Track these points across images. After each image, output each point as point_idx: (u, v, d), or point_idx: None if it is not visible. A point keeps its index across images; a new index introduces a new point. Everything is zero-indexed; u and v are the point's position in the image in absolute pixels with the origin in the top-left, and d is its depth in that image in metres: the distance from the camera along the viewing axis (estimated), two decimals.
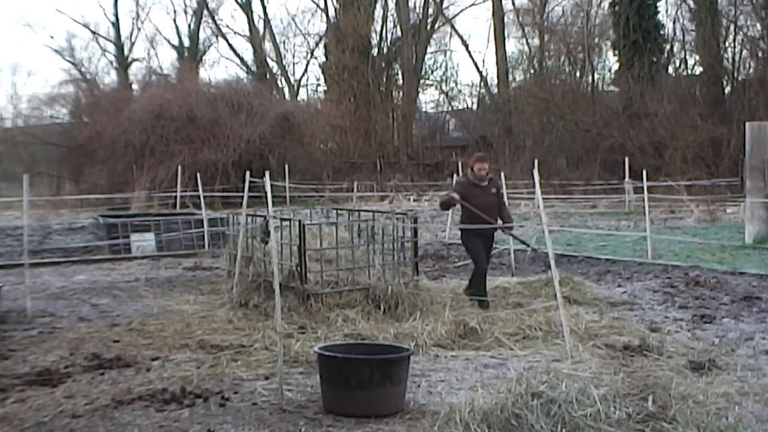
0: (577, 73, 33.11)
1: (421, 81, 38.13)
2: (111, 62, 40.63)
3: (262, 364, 5.90)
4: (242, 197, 8.75)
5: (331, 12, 37.44)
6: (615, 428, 3.76)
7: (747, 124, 14.76)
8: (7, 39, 62.69)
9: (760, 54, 28.84)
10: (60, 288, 9.97)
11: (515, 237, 9.29)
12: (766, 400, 4.88)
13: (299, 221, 7.61)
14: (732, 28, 29.73)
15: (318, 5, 38.62)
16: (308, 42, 40.14)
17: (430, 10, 37.88)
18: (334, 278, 7.64)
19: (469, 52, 55.32)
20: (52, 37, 75.87)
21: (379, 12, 37.11)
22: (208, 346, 6.47)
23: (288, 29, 44.77)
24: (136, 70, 40.68)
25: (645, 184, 13.39)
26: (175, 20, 56.94)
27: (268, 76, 38.48)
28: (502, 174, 14.11)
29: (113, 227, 13.64)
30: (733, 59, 29.88)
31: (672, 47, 31.46)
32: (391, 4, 37.26)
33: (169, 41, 44.50)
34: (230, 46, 49.60)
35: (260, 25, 40.05)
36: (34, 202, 17.44)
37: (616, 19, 30.19)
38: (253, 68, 39.23)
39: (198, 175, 17.45)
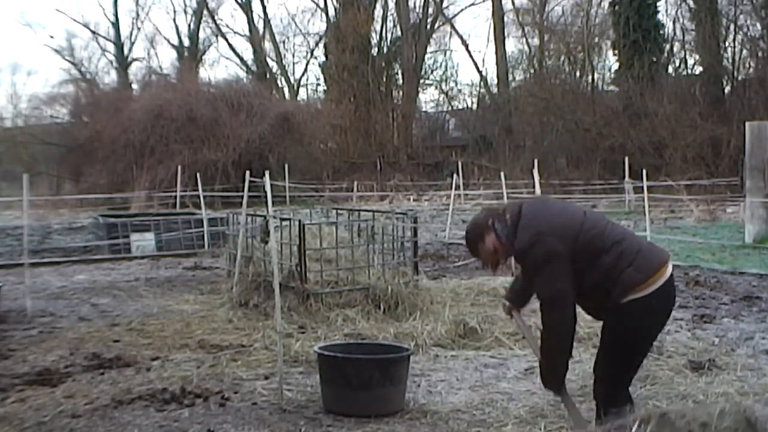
0: (577, 73, 33.09)
1: (421, 81, 38.11)
2: (111, 62, 40.70)
3: (262, 364, 5.89)
4: (242, 197, 8.75)
5: (331, 12, 37.47)
6: None
7: (747, 123, 14.76)
8: (7, 39, 62.70)
9: (760, 54, 28.82)
10: (60, 288, 9.97)
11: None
12: (766, 400, 4.87)
13: (299, 221, 7.61)
14: (732, 27, 29.72)
15: (318, 5, 38.67)
16: (308, 42, 40.19)
17: (430, 10, 37.88)
18: (334, 278, 7.63)
19: (469, 52, 55.30)
20: (52, 37, 75.79)
21: (379, 12, 37.12)
22: (208, 346, 6.46)
23: (288, 29, 44.87)
24: (136, 70, 40.75)
25: (645, 183, 13.39)
26: (175, 20, 56.97)
27: (268, 75, 38.48)
28: (502, 174, 14.13)
29: (113, 227, 13.63)
30: (733, 59, 29.87)
31: (672, 47, 31.46)
32: (391, 4, 37.28)
33: (169, 41, 44.58)
34: (230, 45, 49.61)
35: (260, 25, 40.09)
36: (34, 201, 17.44)
37: (616, 19, 30.18)
38: (253, 68, 39.22)
39: (198, 174, 17.44)
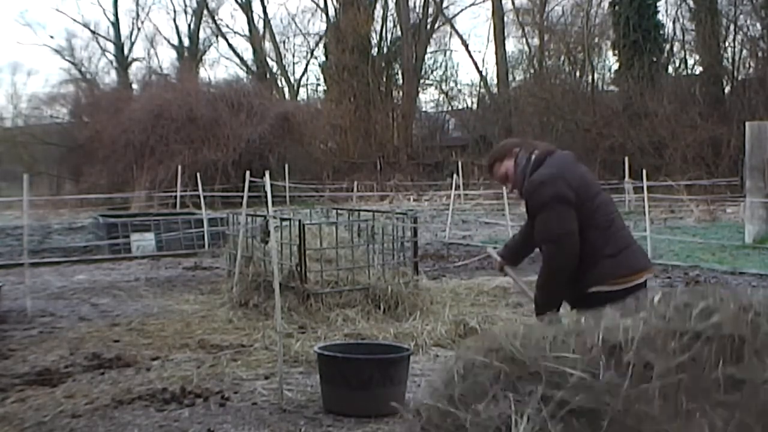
0: (577, 73, 33.10)
1: (421, 81, 38.10)
2: (111, 62, 40.69)
3: (262, 364, 5.89)
4: (242, 197, 8.75)
5: (331, 12, 37.46)
6: None
7: (747, 123, 14.76)
8: (7, 39, 62.72)
9: (760, 54, 28.83)
10: (60, 288, 9.97)
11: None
12: None
13: (299, 221, 7.61)
14: (732, 27, 29.72)
15: (318, 5, 38.66)
16: (308, 42, 40.17)
17: (430, 10, 37.88)
18: (334, 278, 7.63)
19: (469, 52, 55.24)
20: (52, 37, 75.81)
21: (379, 12, 37.11)
22: (208, 346, 6.46)
23: (288, 29, 44.79)
24: (136, 70, 40.76)
25: (645, 183, 13.38)
26: (175, 20, 56.81)
27: (268, 75, 38.47)
28: None
29: (113, 227, 13.63)
30: (733, 59, 29.87)
31: (672, 47, 31.46)
32: (391, 4, 37.27)
33: (169, 41, 44.51)
34: (230, 45, 49.49)
35: (260, 25, 40.07)
36: (34, 201, 17.44)
37: (616, 19, 30.19)
38: (253, 68, 39.22)
39: (198, 174, 17.44)
